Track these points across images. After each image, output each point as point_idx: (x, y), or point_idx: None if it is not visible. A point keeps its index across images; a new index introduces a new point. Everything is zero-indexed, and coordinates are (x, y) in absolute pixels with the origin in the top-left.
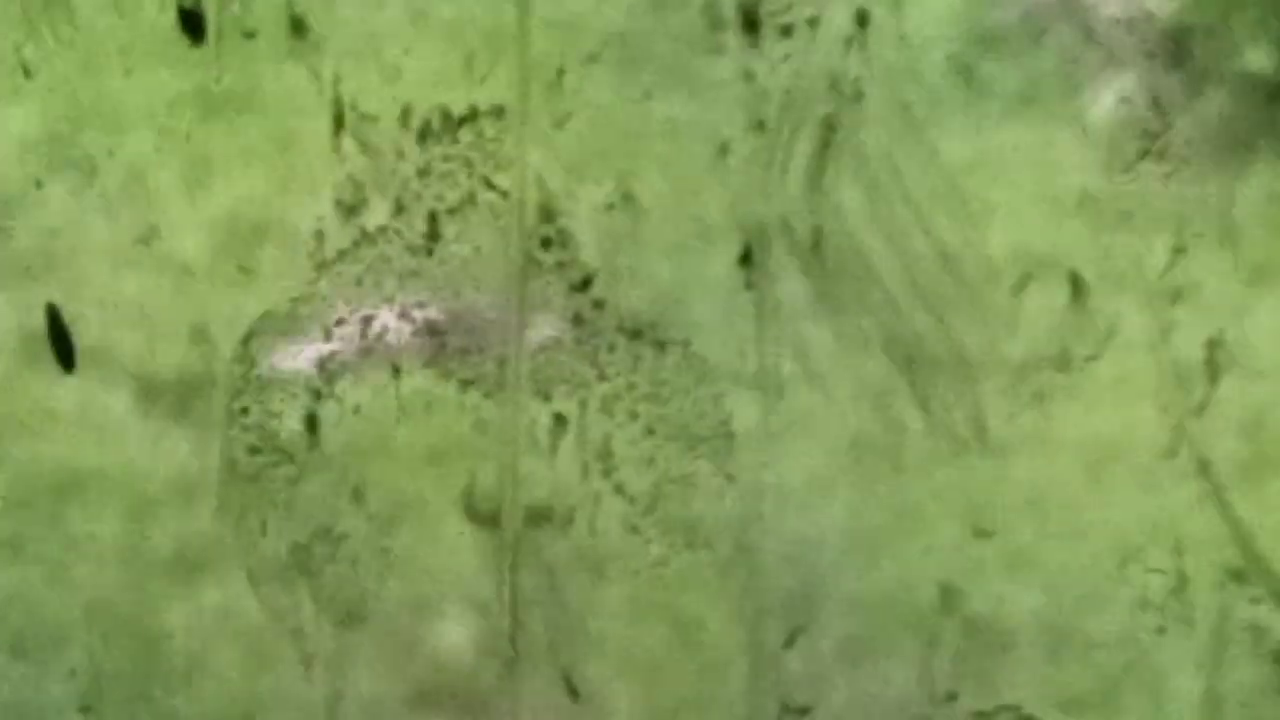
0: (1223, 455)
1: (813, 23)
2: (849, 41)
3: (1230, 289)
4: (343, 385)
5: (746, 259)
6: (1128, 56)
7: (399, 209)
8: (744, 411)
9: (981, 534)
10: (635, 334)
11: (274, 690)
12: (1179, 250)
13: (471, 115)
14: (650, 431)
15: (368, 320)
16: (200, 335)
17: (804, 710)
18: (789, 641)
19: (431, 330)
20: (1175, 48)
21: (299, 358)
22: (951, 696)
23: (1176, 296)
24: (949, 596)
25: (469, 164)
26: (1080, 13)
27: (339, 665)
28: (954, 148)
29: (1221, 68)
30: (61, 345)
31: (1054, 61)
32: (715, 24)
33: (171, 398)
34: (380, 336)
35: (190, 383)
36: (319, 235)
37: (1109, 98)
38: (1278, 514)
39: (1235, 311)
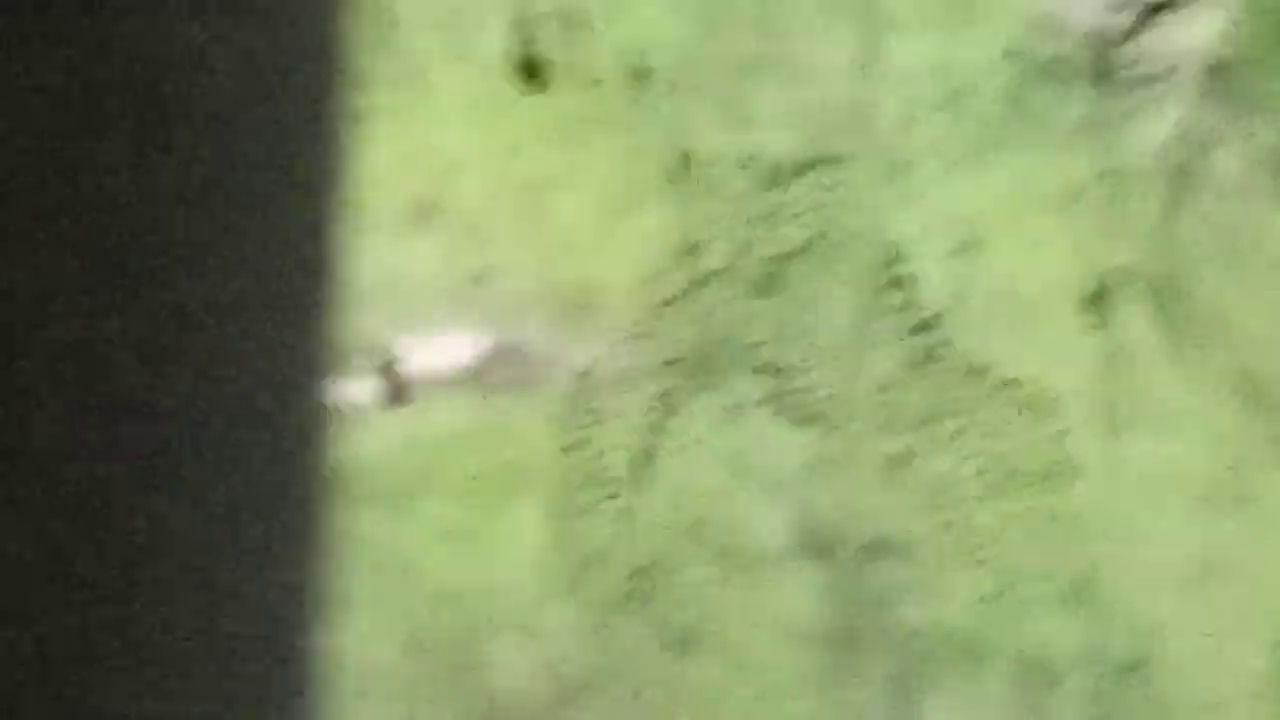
0: None
1: (1167, 74)
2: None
3: None
4: (678, 421)
5: (1094, 302)
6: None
7: (740, 252)
8: (1087, 451)
9: None
10: (978, 373)
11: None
12: None
13: (813, 163)
14: (989, 470)
15: (704, 358)
16: None
17: None
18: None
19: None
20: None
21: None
22: None
23: None
24: None
25: (813, 209)
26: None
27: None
28: None
29: (1268, 100)
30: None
31: None
32: (1067, 74)
33: None
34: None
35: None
36: (656, 277)
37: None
38: None
39: None
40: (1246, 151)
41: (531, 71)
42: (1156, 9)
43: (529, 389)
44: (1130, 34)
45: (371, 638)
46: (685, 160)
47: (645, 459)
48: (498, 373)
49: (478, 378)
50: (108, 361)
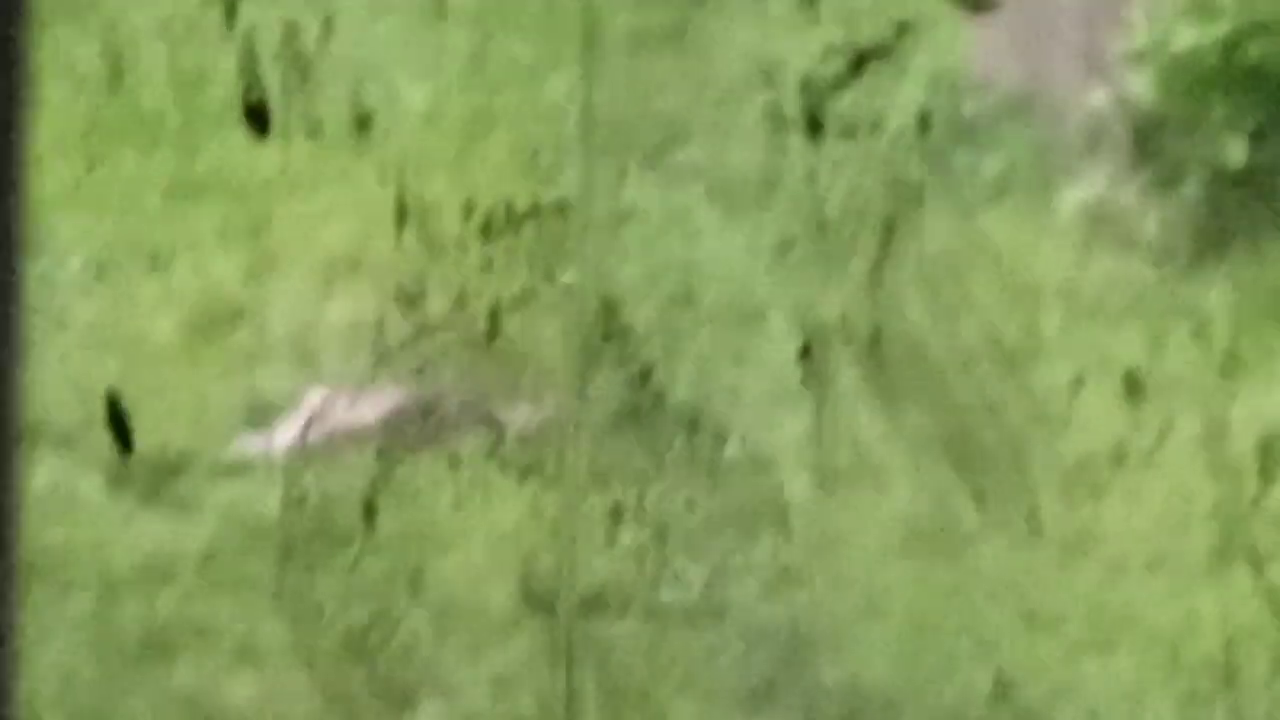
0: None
1: (875, 125)
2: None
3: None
4: (398, 474)
5: (805, 355)
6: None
7: (461, 302)
8: (801, 503)
9: (1036, 627)
10: (693, 426)
11: None
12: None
13: (534, 212)
14: (707, 521)
15: (427, 410)
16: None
17: None
18: None
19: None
20: (1150, 140)
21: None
22: None
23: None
24: (1002, 687)
25: (532, 259)
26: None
27: None
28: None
29: (1196, 160)
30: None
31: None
32: (780, 123)
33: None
34: (439, 426)
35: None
36: (379, 326)
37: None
38: None
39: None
40: (1165, 211)
41: (257, 118)
42: (865, 58)
43: None
44: (841, 83)
45: (287, 686)
46: (404, 209)
47: (366, 513)
48: None
49: None
50: None
